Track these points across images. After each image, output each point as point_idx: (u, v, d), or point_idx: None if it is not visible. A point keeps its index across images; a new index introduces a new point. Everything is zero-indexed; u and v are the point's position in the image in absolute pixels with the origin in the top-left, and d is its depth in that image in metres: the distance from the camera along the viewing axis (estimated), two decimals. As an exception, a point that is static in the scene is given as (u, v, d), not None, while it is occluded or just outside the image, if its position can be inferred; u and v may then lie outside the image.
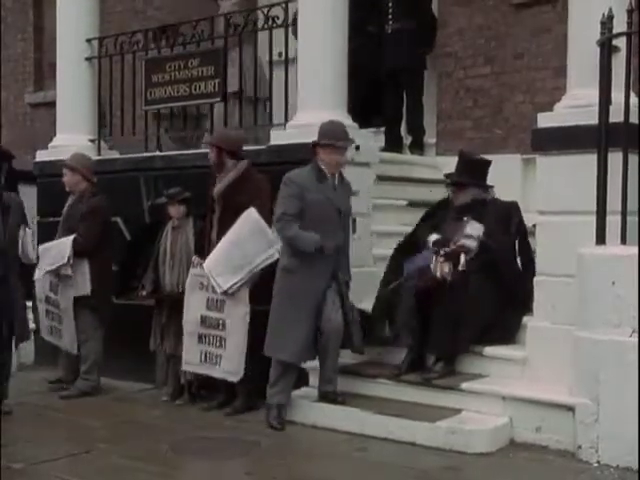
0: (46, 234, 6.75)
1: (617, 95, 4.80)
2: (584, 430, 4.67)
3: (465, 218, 5.51)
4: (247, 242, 5.61)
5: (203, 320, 5.84)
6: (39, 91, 11.05)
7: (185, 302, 5.94)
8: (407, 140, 7.75)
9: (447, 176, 5.89)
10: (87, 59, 7.76)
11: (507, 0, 7.15)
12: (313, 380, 5.73)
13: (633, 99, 4.90)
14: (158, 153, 7.30)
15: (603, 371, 4.60)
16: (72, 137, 7.69)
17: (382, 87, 7.79)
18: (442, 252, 5.35)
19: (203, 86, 6.98)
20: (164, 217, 6.42)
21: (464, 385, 5.22)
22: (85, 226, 6.41)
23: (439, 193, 6.21)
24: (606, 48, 4.82)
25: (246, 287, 5.66)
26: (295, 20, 6.44)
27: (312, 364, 5.60)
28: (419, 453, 4.88)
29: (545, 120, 5.20)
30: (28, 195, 7.39)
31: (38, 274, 6.47)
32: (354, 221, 5.80)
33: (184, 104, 7.26)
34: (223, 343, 5.73)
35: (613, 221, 4.77)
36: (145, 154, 7.38)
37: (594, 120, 4.83)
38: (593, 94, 4.84)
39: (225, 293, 5.67)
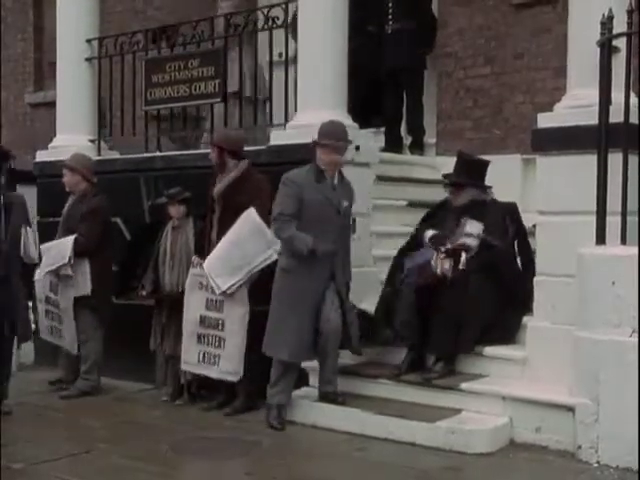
0: (46, 234, 6.75)
1: (617, 95, 4.80)
2: (584, 430, 4.67)
3: (464, 217, 5.51)
4: (246, 243, 5.61)
5: (202, 320, 5.84)
6: (39, 91, 11.05)
7: (185, 302, 5.94)
8: (407, 140, 7.75)
9: (445, 176, 5.89)
10: (87, 59, 7.77)
11: (507, 0, 7.15)
12: (313, 380, 5.73)
13: (633, 99, 4.90)
14: (158, 153, 7.30)
15: (603, 371, 4.60)
16: (72, 137, 7.70)
17: (382, 87, 7.79)
18: (443, 249, 5.36)
19: (203, 86, 6.98)
20: (164, 217, 6.42)
21: (464, 385, 5.22)
22: (86, 226, 6.41)
23: (439, 193, 6.21)
24: (606, 48, 4.82)
25: (245, 287, 5.66)
26: (294, 21, 6.44)
27: (312, 364, 5.60)
28: (419, 453, 4.88)
29: (545, 120, 5.20)
30: (27, 195, 7.37)
31: (38, 274, 6.47)
32: (354, 221, 5.80)
33: (184, 104, 7.27)
34: (222, 343, 5.74)
35: (613, 221, 4.77)
36: (145, 154, 7.38)
37: (594, 120, 4.83)
38: (593, 94, 4.84)
39: (224, 294, 5.68)
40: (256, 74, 7.06)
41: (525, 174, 6.75)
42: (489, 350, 5.37)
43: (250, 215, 5.62)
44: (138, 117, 7.50)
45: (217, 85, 6.89)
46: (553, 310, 5.13)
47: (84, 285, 6.37)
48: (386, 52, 7.59)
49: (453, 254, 5.35)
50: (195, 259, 5.94)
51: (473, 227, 5.45)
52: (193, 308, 5.89)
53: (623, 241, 4.76)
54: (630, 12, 4.83)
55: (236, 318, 5.67)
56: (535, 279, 5.25)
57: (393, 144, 7.63)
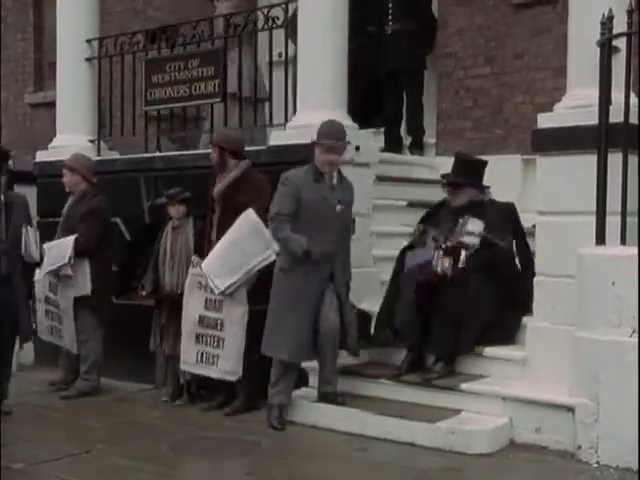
0: (45, 234, 6.74)
1: (617, 95, 4.80)
2: (584, 430, 4.67)
3: (465, 216, 5.51)
4: (245, 243, 5.61)
5: (201, 320, 5.84)
6: (39, 91, 11.05)
7: (184, 302, 5.94)
8: (407, 140, 7.75)
9: (443, 176, 5.89)
10: (87, 59, 7.77)
11: (507, 0, 7.15)
12: (313, 380, 5.73)
13: (633, 99, 4.90)
14: (158, 154, 7.30)
15: (603, 371, 4.60)
16: (72, 137, 7.70)
17: (382, 87, 7.79)
18: (443, 246, 5.36)
19: (203, 87, 6.98)
20: (164, 217, 6.42)
21: (464, 385, 5.22)
22: (86, 226, 6.41)
23: (439, 193, 6.20)
24: (606, 48, 4.82)
25: (244, 287, 5.66)
26: (293, 21, 6.44)
27: (312, 364, 5.60)
28: (419, 453, 4.88)
29: (545, 120, 5.20)
30: (27, 196, 7.37)
31: (38, 274, 6.47)
32: (354, 221, 5.79)
33: (184, 105, 7.27)
34: (221, 343, 5.74)
35: (613, 221, 4.77)
36: (145, 155, 7.38)
37: (594, 120, 4.83)
38: (593, 94, 4.84)
39: (223, 294, 5.68)
40: (256, 74, 7.05)
41: (525, 174, 6.75)
42: (489, 350, 5.37)
43: (249, 215, 5.62)
44: (138, 116, 7.50)
45: (217, 85, 6.89)
46: (553, 310, 5.12)
47: (84, 285, 6.38)
48: (386, 52, 7.59)
49: (452, 252, 5.35)
50: (195, 259, 5.94)
51: (474, 225, 5.45)
52: (192, 308, 5.89)
53: (623, 241, 4.76)
54: (630, 12, 4.83)
55: (235, 318, 5.67)
56: (535, 279, 5.25)
57: (393, 144, 7.63)
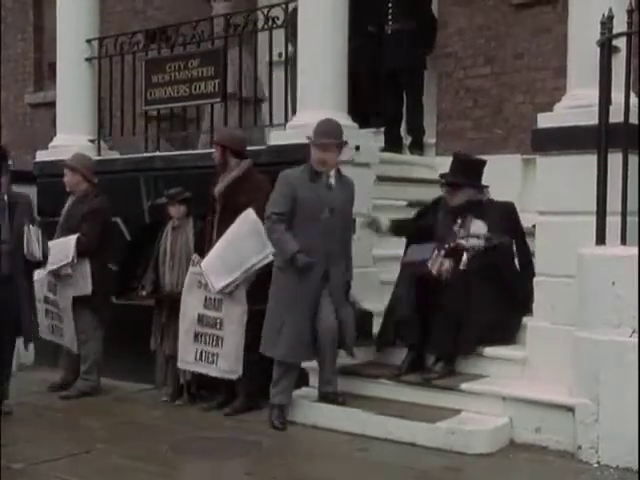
0: (45, 234, 6.73)
1: (617, 95, 4.80)
2: (584, 430, 4.67)
3: (468, 217, 5.51)
4: (244, 242, 5.61)
5: (200, 319, 5.85)
6: (39, 91, 11.05)
7: (182, 300, 5.95)
8: (407, 140, 7.75)
9: (442, 176, 5.88)
10: (87, 59, 7.77)
11: (507, 0, 7.15)
12: (313, 380, 5.73)
13: (633, 99, 4.90)
14: (158, 153, 7.30)
15: (603, 371, 4.60)
16: (72, 137, 7.70)
17: (382, 87, 7.79)
18: (446, 246, 5.35)
19: (203, 86, 6.98)
20: (164, 217, 6.42)
21: (464, 385, 5.22)
22: (87, 226, 6.41)
23: (439, 193, 6.19)
24: (606, 48, 4.82)
25: (243, 287, 5.66)
26: (292, 21, 6.44)
27: (312, 364, 5.60)
28: (419, 453, 4.88)
29: (545, 120, 5.20)
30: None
31: (38, 274, 6.45)
32: (354, 221, 5.79)
33: (184, 104, 7.27)
34: (220, 342, 5.74)
35: (613, 221, 4.77)
36: (145, 154, 7.39)
37: (594, 120, 4.83)
38: (593, 94, 4.84)
39: (221, 292, 5.68)
40: (255, 75, 7.05)
41: (525, 174, 6.75)
42: (489, 350, 5.37)
43: (249, 215, 5.62)
44: (138, 116, 7.50)
45: (217, 85, 6.89)
46: (553, 310, 5.12)
47: (84, 285, 6.38)
48: (386, 52, 7.59)
49: (453, 254, 5.35)
50: (195, 257, 5.94)
51: (477, 227, 5.46)
52: (191, 306, 5.90)
53: (623, 241, 4.76)
54: (630, 12, 4.83)
55: (234, 317, 5.68)
56: (535, 279, 5.25)
57: (393, 144, 7.62)
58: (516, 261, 5.55)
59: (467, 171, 5.66)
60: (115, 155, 7.73)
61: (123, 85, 7.52)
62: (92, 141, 7.75)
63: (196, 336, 5.87)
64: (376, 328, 5.80)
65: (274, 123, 6.70)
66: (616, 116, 4.78)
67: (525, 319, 5.35)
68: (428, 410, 5.21)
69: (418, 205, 6.42)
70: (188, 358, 5.92)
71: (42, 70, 11.13)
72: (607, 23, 4.80)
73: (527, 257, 5.49)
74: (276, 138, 6.37)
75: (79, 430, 5.56)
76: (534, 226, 5.37)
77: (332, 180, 5.46)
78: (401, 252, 5.82)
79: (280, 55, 6.73)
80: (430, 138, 7.66)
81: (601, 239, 4.81)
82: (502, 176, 6.10)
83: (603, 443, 4.60)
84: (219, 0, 7.68)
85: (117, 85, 7.60)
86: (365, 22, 7.59)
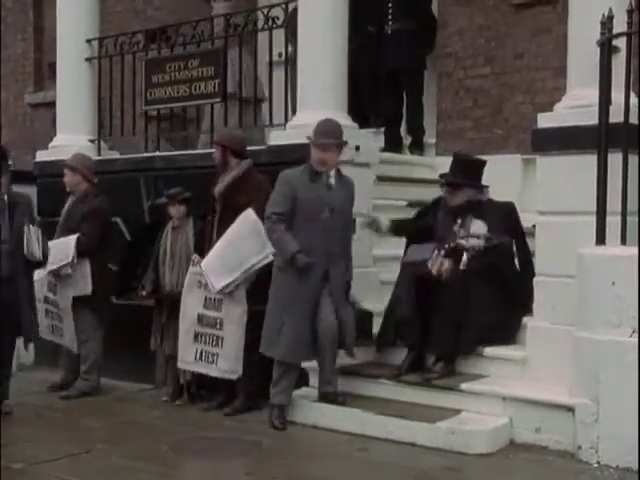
0: (45, 234, 6.74)
1: (617, 95, 4.80)
2: (584, 430, 4.67)
3: (468, 217, 5.51)
4: (244, 243, 5.61)
5: (200, 319, 5.85)
6: (39, 91, 11.05)
7: (182, 300, 5.95)
8: (407, 140, 7.75)
9: (442, 176, 5.88)
10: (87, 59, 7.77)
11: (507, 0, 7.15)
12: (313, 380, 5.73)
13: (633, 99, 4.90)
14: (158, 153, 7.30)
15: (603, 371, 4.60)
16: (72, 137, 7.70)
17: (382, 87, 7.79)
18: (446, 246, 5.35)
19: (203, 86, 6.98)
20: (164, 217, 6.42)
21: (464, 385, 5.22)
22: (88, 226, 6.41)
23: (439, 194, 6.19)
24: (606, 48, 4.82)
25: (243, 287, 5.67)
26: (291, 21, 6.44)
27: (312, 364, 5.60)
28: (419, 453, 4.88)
29: (545, 120, 5.20)
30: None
31: (37, 274, 6.46)
32: (354, 221, 5.79)
33: (184, 104, 7.27)
34: (220, 342, 5.75)
35: (613, 221, 4.77)
36: (145, 154, 7.39)
37: (594, 120, 4.83)
38: (593, 94, 4.84)
39: (221, 292, 5.69)
40: (256, 75, 7.05)
41: (525, 174, 6.75)
42: (489, 350, 5.37)
43: (248, 215, 5.62)
44: (138, 116, 7.50)
45: (217, 85, 6.89)
46: (553, 310, 5.12)
47: (84, 285, 6.37)
48: (386, 52, 7.59)
49: (453, 254, 5.35)
50: (195, 257, 5.94)
51: (478, 227, 5.45)
52: (191, 306, 5.90)
53: (623, 241, 4.76)
54: (630, 12, 4.83)
55: (234, 317, 5.68)
56: (535, 279, 5.25)
57: (393, 144, 7.62)
58: (516, 261, 5.55)
59: (467, 171, 5.66)
60: (115, 155, 7.73)
61: (123, 85, 7.52)
62: (92, 141, 7.75)
63: (196, 336, 5.87)
64: (376, 328, 5.80)
65: (274, 123, 6.70)
66: (616, 116, 4.78)
67: (525, 319, 5.35)
68: (428, 410, 5.21)
69: (418, 205, 6.42)
70: (188, 358, 5.92)
71: (42, 70, 11.14)
72: (607, 23, 4.80)
73: (527, 257, 5.49)
74: (276, 138, 6.37)
75: (79, 430, 5.56)
76: (534, 226, 5.37)
77: (332, 180, 5.46)
78: (401, 252, 5.82)
79: (280, 55, 6.73)
80: (430, 138, 7.66)
81: (601, 239, 4.81)
82: (502, 176, 6.10)
83: (603, 443, 4.60)
84: (219, 0, 7.68)
85: (117, 85, 7.61)
86: (365, 22, 7.59)
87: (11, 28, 11.28)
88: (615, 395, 4.56)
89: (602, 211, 4.80)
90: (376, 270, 6.29)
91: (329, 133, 5.41)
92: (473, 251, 5.37)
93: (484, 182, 5.70)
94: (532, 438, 4.95)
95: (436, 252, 5.39)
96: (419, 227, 5.85)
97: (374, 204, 6.34)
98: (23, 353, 6.71)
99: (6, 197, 5.60)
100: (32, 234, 5.59)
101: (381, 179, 6.55)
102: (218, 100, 6.93)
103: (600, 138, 4.80)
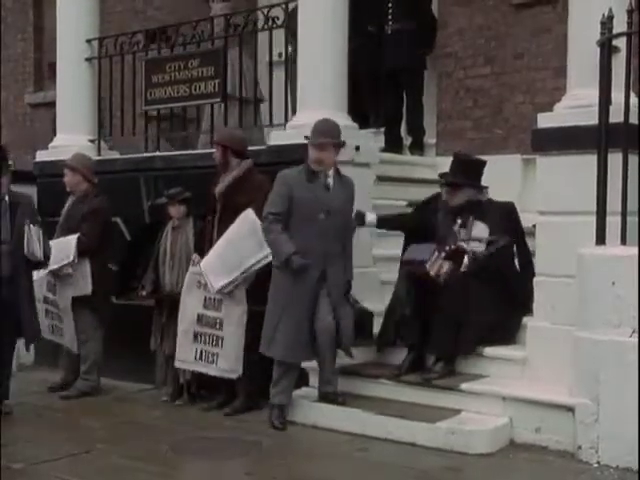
0: (45, 234, 6.74)
1: (617, 95, 4.80)
2: (584, 430, 4.67)
3: (470, 219, 5.50)
4: (243, 243, 5.61)
5: (199, 318, 5.86)
6: (39, 91, 11.06)
7: (181, 300, 5.96)
8: (407, 140, 7.75)
9: (442, 176, 5.88)
10: (87, 59, 7.77)
11: (507, 0, 7.15)
12: (313, 380, 5.73)
13: (633, 99, 4.90)
14: (158, 153, 7.30)
15: (603, 371, 4.60)
16: (72, 137, 7.70)
17: (382, 87, 7.79)
18: (447, 248, 5.35)
19: (203, 86, 6.98)
20: (164, 217, 6.42)
21: (464, 385, 5.22)
22: (88, 226, 6.41)
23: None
24: (606, 48, 4.82)
25: (243, 287, 5.67)
26: (291, 22, 6.44)
27: (312, 364, 5.60)
28: (419, 453, 4.88)
29: (545, 120, 5.20)
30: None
31: (37, 274, 6.46)
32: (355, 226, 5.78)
33: (184, 104, 7.27)
34: (220, 342, 5.75)
35: (613, 221, 4.77)
36: (145, 154, 7.39)
37: (594, 120, 4.83)
38: (593, 94, 4.84)
39: (221, 292, 5.69)
40: (255, 75, 7.06)
41: (525, 174, 6.75)
42: (489, 350, 5.37)
43: (248, 216, 5.62)
44: (138, 116, 7.51)
45: (217, 85, 6.89)
46: (553, 310, 5.12)
47: (84, 285, 6.37)
48: (386, 52, 7.58)
49: (454, 255, 5.35)
50: (195, 257, 5.95)
51: (480, 230, 5.45)
52: (190, 306, 5.90)
53: (623, 241, 4.76)
54: (630, 12, 4.83)
55: (234, 318, 5.68)
56: (535, 279, 5.25)
57: (393, 144, 7.62)
58: (516, 261, 5.55)
59: (467, 171, 5.66)
60: (115, 155, 7.73)
61: (123, 85, 7.53)
62: (92, 141, 7.75)
63: (196, 336, 5.87)
64: (377, 328, 5.79)
65: (274, 123, 6.70)
66: (616, 116, 4.78)
67: (525, 319, 5.36)
68: (428, 410, 5.21)
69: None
70: (188, 357, 5.92)
71: (42, 70, 11.14)
72: (607, 23, 4.80)
73: (527, 257, 5.49)
74: (276, 138, 6.37)
75: (79, 430, 5.56)
76: (534, 226, 5.37)
77: (330, 180, 5.44)
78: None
79: (280, 55, 6.73)
80: (430, 138, 7.66)
81: (601, 239, 4.81)
82: (502, 176, 6.09)
83: (603, 443, 4.60)
84: (217, 0, 7.68)
85: (117, 85, 7.61)
86: (365, 22, 7.60)
87: (11, 28, 11.28)
88: (615, 395, 4.56)
89: (602, 211, 4.80)
90: (376, 270, 6.29)
91: (326, 132, 5.40)
92: (474, 255, 5.37)
93: (484, 182, 5.70)
94: (532, 438, 4.95)
95: (436, 254, 5.39)
96: (415, 223, 5.84)
97: (374, 204, 6.34)
98: (23, 353, 6.72)
99: (7, 197, 5.60)
100: (33, 234, 5.59)
101: (381, 179, 6.56)
102: (218, 100, 6.93)
103: (600, 138, 4.80)
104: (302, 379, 5.74)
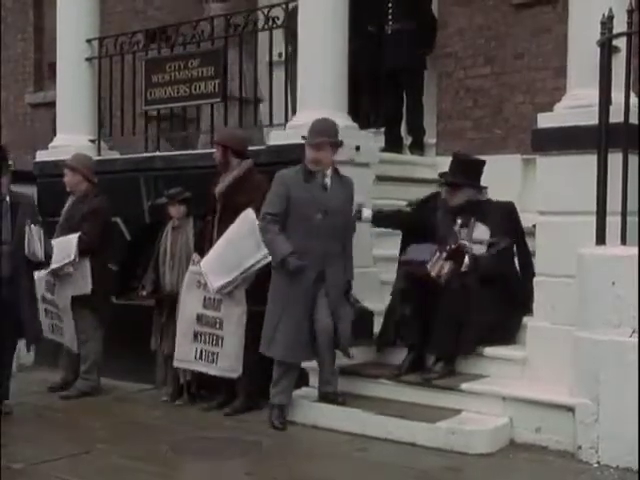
0: (47, 234, 6.75)
1: (617, 95, 4.80)
2: (584, 430, 4.67)
3: (471, 220, 5.50)
4: (243, 243, 5.61)
5: (199, 318, 5.86)
6: (39, 91, 11.06)
7: (181, 299, 5.96)
8: (407, 140, 7.75)
9: (441, 176, 5.88)
10: (87, 59, 7.77)
11: (507, 0, 7.15)
12: (313, 380, 5.73)
13: (633, 99, 4.90)
14: (158, 153, 7.30)
15: (603, 371, 4.60)
16: (72, 137, 7.70)
17: (382, 87, 7.79)
18: (447, 248, 5.34)
19: (203, 86, 6.98)
20: (164, 217, 6.42)
21: (464, 385, 5.22)
22: (88, 225, 6.41)
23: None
24: (606, 48, 4.82)
25: (242, 287, 5.67)
26: (290, 22, 6.44)
27: (311, 364, 5.60)
28: (419, 453, 4.88)
29: (545, 120, 5.20)
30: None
31: (37, 274, 6.45)
32: (354, 221, 5.78)
33: (184, 104, 7.27)
34: (220, 342, 5.75)
35: (613, 221, 4.77)
36: (145, 154, 7.39)
37: (594, 120, 4.83)
38: (593, 94, 4.84)
39: (220, 292, 5.68)
40: (255, 75, 7.05)
41: (525, 174, 6.75)
42: (489, 350, 5.37)
43: (248, 216, 5.62)
44: (138, 116, 7.50)
45: (217, 85, 6.89)
46: (553, 310, 5.12)
47: (84, 284, 6.37)
48: (386, 52, 7.58)
49: (455, 255, 5.34)
50: (195, 257, 5.95)
51: (481, 232, 5.45)
52: (190, 306, 5.90)
53: (623, 241, 4.76)
54: (630, 12, 4.83)
55: (234, 318, 5.69)
56: (535, 279, 5.25)
57: (393, 144, 7.62)
58: (516, 261, 5.55)
59: (467, 171, 5.66)
60: (115, 155, 7.73)
61: (123, 85, 7.53)
62: (92, 141, 7.75)
63: (195, 335, 5.87)
64: (377, 328, 5.79)
65: (274, 123, 6.70)
66: (616, 116, 4.78)
67: (525, 319, 5.36)
68: (428, 410, 5.21)
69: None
70: (188, 357, 5.92)
71: (42, 70, 11.14)
72: (607, 23, 4.80)
73: (527, 257, 5.49)
74: (276, 138, 6.36)
75: (79, 430, 5.56)
76: (534, 226, 5.37)
77: (327, 180, 5.42)
78: (402, 252, 5.84)
79: (280, 55, 6.72)
80: (430, 138, 7.66)
81: (601, 239, 4.81)
82: (502, 176, 6.10)
83: (603, 443, 4.60)
84: (213, 1, 7.68)
85: (117, 85, 7.61)
86: (365, 22, 7.59)
87: (11, 28, 11.28)
88: (615, 395, 4.56)
89: (602, 211, 4.80)
90: (376, 270, 6.29)
91: (323, 132, 5.38)
92: (474, 257, 5.36)
93: (484, 182, 5.70)
94: (532, 438, 4.95)
95: (437, 254, 5.39)
96: (414, 222, 5.84)
97: (374, 204, 6.34)
98: (23, 353, 6.72)
99: (8, 198, 5.60)
100: (34, 234, 5.59)
101: (381, 179, 6.55)
102: (218, 100, 6.93)
103: (600, 138, 4.80)
104: (302, 379, 5.74)
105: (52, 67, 9.14)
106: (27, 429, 5.55)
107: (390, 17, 7.56)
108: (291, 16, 6.49)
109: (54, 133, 8.03)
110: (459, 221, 5.55)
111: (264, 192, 5.63)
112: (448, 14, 7.50)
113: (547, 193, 5.19)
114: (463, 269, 5.33)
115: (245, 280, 5.67)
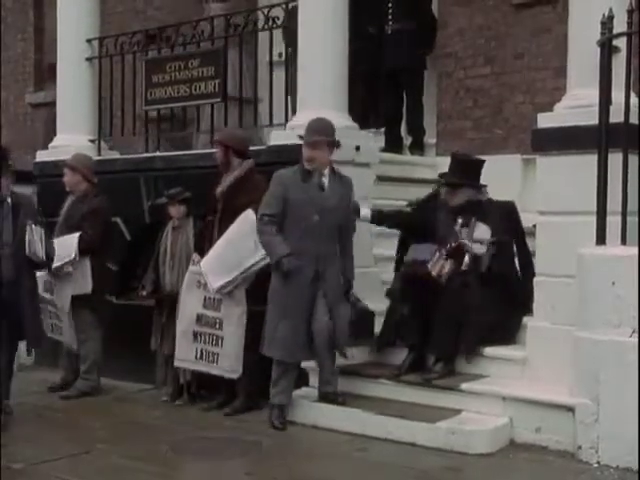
0: (47, 234, 6.74)
1: (617, 95, 4.80)
2: (584, 430, 4.67)
3: (472, 219, 5.50)
4: (243, 243, 5.61)
5: (199, 318, 5.86)
6: (39, 91, 11.06)
7: (181, 299, 5.96)
8: (407, 140, 7.75)
9: (441, 176, 5.88)
10: (87, 59, 7.78)
11: (507, 0, 7.15)
12: (313, 380, 5.73)
13: (633, 99, 4.90)
14: (158, 153, 7.31)
15: (603, 371, 4.60)
16: (72, 137, 7.70)
17: (382, 87, 7.79)
18: (448, 246, 5.34)
19: (203, 86, 6.98)
20: (164, 217, 6.42)
21: (464, 385, 5.22)
22: (89, 225, 6.42)
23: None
24: (606, 48, 4.82)
25: (242, 287, 5.67)
26: (289, 22, 6.44)
27: (311, 364, 5.60)
28: (419, 453, 4.88)
29: (545, 120, 5.20)
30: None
31: (37, 274, 6.44)
32: (353, 220, 5.78)
33: (184, 104, 7.27)
34: (220, 342, 5.75)
35: (613, 221, 4.77)
36: (145, 155, 7.39)
37: (594, 120, 4.83)
38: (593, 94, 4.84)
39: (219, 292, 5.68)
40: (255, 75, 7.05)
41: (525, 174, 6.75)
42: (489, 350, 5.37)
43: (248, 216, 5.62)
44: (138, 116, 7.51)
45: (217, 85, 6.90)
46: (553, 310, 5.12)
47: (84, 284, 6.37)
48: (386, 52, 7.58)
49: (455, 254, 5.34)
50: (196, 257, 5.95)
51: (482, 232, 5.44)
52: (190, 306, 5.90)
53: (623, 241, 4.76)
54: (630, 12, 4.83)
55: (234, 318, 5.69)
56: (535, 279, 5.25)
57: (393, 144, 7.62)
58: (516, 261, 5.55)
59: (466, 171, 5.66)
60: (115, 155, 7.73)
61: (123, 85, 7.53)
62: (92, 141, 7.75)
63: (195, 335, 5.87)
64: (378, 328, 5.79)
65: (274, 123, 6.70)
66: (616, 116, 4.78)
67: (525, 319, 5.35)
68: (428, 410, 5.21)
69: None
70: (188, 357, 5.92)
71: (42, 70, 11.13)
72: (607, 23, 4.80)
73: (527, 257, 5.49)
74: (276, 138, 6.36)
75: (79, 430, 5.56)
76: (534, 226, 5.37)
77: (325, 180, 5.41)
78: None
79: (280, 55, 6.73)
80: (430, 138, 7.66)
81: (601, 239, 4.81)
82: (502, 176, 6.09)
83: (603, 443, 4.60)
84: (213, 1, 7.68)
85: (117, 85, 7.61)
86: (365, 22, 7.59)
87: (11, 28, 11.28)
88: (615, 395, 4.56)
89: (602, 211, 4.80)
90: (377, 270, 6.29)
91: (319, 131, 5.38)
92: (474, 256, 5.36)
93: (484, 182, 5.70)
94: (532, 438, 4.95)
95: (437, 254, 5.39)
96: (414, 222, 5.84)
97: (374, 204, 6.34)
98: (23, 353, 6.71)
99: (9, 199, 5.59)
100: (35, 234, 5.58)
101: (381, 179, 6.56)
102: (218, 100, 6.93)
103: (600, 138, 4.80)
104: (302, 379, 5.74)
105: (52, 67, 9.13)
106: (27, 429, 5.55)
107: (390, 17, 7.56)
108: (291, 16, 6.49)
109: (54, 133, 8.03)
110: (460, 221, 5.55)
111: (262, 192, 5.63)
112: (448, 14, 7.50)
113: (547, 193, 5.19)
114: (463, 268, 5.33)
115: (245, 280, 5.67)
